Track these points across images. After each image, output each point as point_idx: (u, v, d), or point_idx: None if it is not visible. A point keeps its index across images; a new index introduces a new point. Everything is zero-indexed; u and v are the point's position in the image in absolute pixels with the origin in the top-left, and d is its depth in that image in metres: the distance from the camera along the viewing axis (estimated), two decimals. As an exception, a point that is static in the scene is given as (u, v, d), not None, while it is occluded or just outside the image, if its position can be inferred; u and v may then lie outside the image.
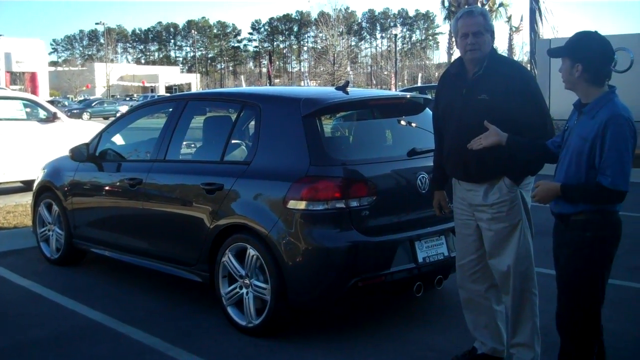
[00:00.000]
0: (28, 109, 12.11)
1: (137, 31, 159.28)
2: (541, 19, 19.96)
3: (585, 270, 3.29)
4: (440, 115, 4.09)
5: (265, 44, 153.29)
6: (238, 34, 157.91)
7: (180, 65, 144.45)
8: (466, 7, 3.95)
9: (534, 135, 3.70)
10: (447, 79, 4.10)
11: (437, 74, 70.68)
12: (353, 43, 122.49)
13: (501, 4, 38.67)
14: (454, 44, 4.03)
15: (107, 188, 6.14)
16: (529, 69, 19.81)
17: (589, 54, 3.25)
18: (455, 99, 3.91)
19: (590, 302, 3.33)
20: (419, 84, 51.22)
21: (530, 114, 3.76)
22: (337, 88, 5.28)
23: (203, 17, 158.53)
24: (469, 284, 4.11)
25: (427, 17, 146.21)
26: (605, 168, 3.13)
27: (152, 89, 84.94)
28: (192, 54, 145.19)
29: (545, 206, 3.46)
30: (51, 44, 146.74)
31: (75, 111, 46.94)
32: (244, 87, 31.59)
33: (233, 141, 5.38)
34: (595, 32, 3.35)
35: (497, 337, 4.13)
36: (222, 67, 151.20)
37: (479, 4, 28.63)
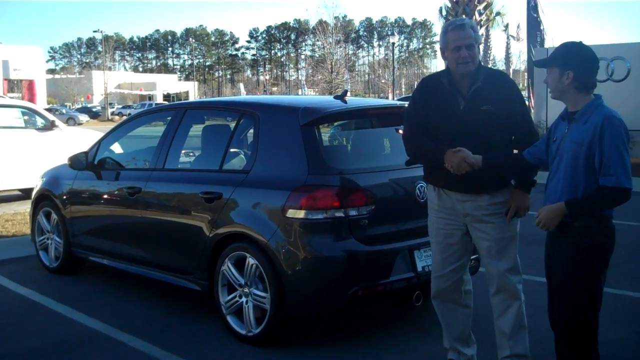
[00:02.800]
0: (26, 117, 12.12)
1: (135, 39, 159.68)
2: (542, 32, 20.04)
3: (583, 276, 3.31)
4: (431, 128, 3.91)
5: (263, 52, 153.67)
6: (236, 42, 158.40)
7: (178, 73, 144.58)
8: (455, 19, 3.96)
9: (533, 138, 3.86)
10: (437, 90, 3.91)
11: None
12: (351, 51, 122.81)
13: (498, 13, 38.66)
14: (441, 56, 3.97)
15: (105, 196, 6.15)
16: (526, 77, 19.84)
17: (579, 61, 3.34)
18: (452, 113, 3.83)
19: (589, 308, 3.35)
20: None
21: (527, 119, 3.98)
22: (336, 97, 5.30)
23: (201, 25, 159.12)
24: (448, 294, 4.07)
25: (424, 26, 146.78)
26: (608, 168, 3.18)
27: (150, 97, 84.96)
28: (189, 62, 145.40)
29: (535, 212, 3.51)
30: (49, 52, 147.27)
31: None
32: (243, 96, 31.55)
33: (232, 150, 5.39)
34: (581, 42, 3.44)
35: (470, 342, 4.19)
36: (220, 75, 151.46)
37: (476, 13, 28.75)
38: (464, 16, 28.38)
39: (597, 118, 3.25)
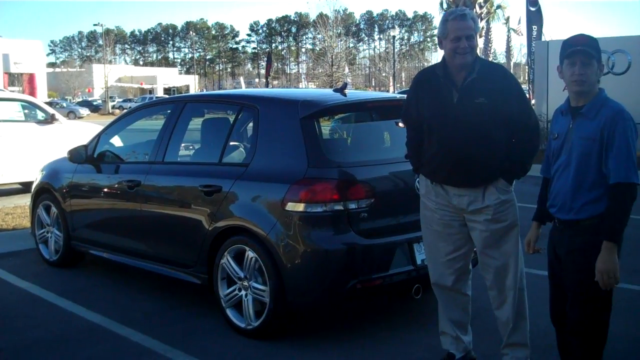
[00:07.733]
0: (26, 111, 12.10)
1: (136, 32, 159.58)
2: (540, 25, 20.03)
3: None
4: (425, 121, 3.90)
5: (264, 46, 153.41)
6: (236, 35, 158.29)
7: (179, 66, 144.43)
8: (456, 8, 3.86)
9: (527, 135, 3.82)
10: (431, 83, 3.88)
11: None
12: (351, 44, 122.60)
13: (499, 6, 38.57)
14: (438, 45, 3.89)
15: (105, 190, 6.14)
16: (526, 70, 19.82)
17: (599, 54, 3.29)
18: (445, 106, 3.77)
19: (604, 305, 3.32)
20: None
21: (524, 114, 3.81)
22: (336, 90, 5.28)
23: (201, 19, 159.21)
24: (451, 282, 4.02)
25: (425, 19, 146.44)
26: (618, 163, 3.13)
27: (150, 91, 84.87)
28: (190, 55, 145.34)
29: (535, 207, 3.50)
30: (49, 45, 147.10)
31: None
32: (243, 89, 31.47)
33: (231, 143, 5.38)
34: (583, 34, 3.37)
35: (467, 331, 4.16)
36: (221, 68, 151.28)
37: (477, 6, 28.65)
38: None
39: (608, 112, 3.19)
